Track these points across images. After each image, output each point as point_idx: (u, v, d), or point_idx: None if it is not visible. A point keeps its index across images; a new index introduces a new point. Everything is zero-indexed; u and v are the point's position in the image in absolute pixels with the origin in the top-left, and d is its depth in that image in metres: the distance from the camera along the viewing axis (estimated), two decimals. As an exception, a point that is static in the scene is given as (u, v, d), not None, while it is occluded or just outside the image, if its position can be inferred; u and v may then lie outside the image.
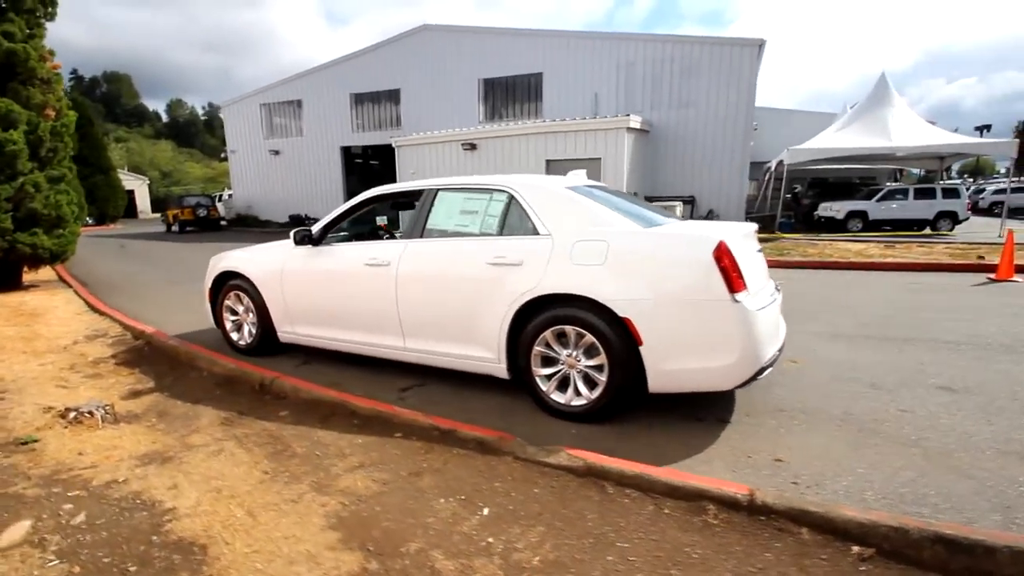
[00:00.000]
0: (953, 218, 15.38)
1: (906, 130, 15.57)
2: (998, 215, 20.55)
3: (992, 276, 7.12)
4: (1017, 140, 14.12)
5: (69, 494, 2.22)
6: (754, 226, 3.33)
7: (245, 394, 3.49)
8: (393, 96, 21.38)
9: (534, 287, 2.97)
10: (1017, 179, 27.82)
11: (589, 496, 2.18)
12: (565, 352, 3.00)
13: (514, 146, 15.54)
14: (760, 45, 15.88)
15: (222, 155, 27.18)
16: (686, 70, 16.53)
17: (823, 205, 17.20)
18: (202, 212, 21.17)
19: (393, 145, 17.57)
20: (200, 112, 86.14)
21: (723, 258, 2.65)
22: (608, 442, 2.74)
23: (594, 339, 2.86)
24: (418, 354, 3.53)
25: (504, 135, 15.67)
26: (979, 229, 15.71)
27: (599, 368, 2.90)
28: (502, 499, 2.16)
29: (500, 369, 3.22)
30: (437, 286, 3.35)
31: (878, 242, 12.08)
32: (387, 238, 4.46)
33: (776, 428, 2.90)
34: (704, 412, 3.11)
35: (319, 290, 3.89)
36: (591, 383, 2.97)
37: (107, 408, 3.12)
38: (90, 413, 3.00)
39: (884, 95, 16.88)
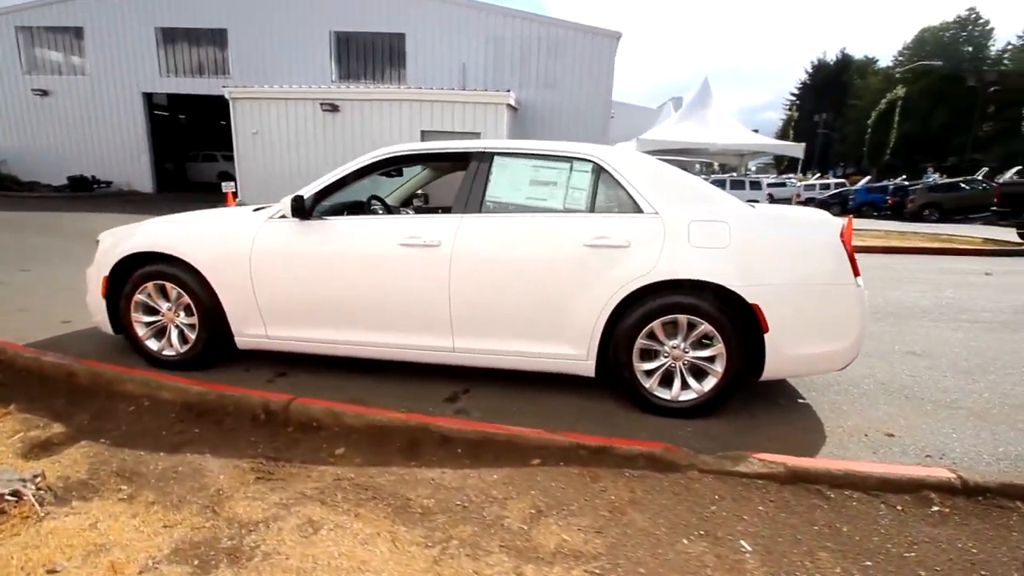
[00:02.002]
0: (756, 205, 18.60)
1: (723, 128, 18.31)
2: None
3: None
4: (804, 144, 17.70)
5: (127, 659, 1.24)
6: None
7: (244, 428, 2.46)
8: (217, 37, 17.82)
9: (647, 272, 2.61)
10: (780, 176, 34.96)
11: (818, 505, 1.97)
12: (671, 343, 2.72)
13: (383, 111, 14.21)
14: (618, 37, 16.98)
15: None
16: (552, 51, 16.90)
17: (662, 191, 19.34)
18: (-77, 167, 15.07)
19: (227, 97, 14.65)
20: None
21: (848, 242, 2.64)
22: (732, 436, 2.58)
23: (711, 328, 2.63)
24: (472, 355, 2.90)
25: (372, 98, 14.20)
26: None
27: (711, 359, 2.70)
28: (742, 526, 1.84)
29: (587, 367, 2.81)
30: (512, 272, 2.75)
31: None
32: (383, 212, 3.59)
33: (851, 403, 3.04)
34: (773, 394, 3.12)
35: (319, 279, 2.93)
36: (698, 375, 2.76)
37: (37, 481, 1.89)
38: (15, 495, 1.78)
39: (706, 97, 19.56)
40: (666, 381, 2.78)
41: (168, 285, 3.11)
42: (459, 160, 3.05)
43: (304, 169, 14.86)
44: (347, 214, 3.28)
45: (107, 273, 3.16)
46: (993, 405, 3.07)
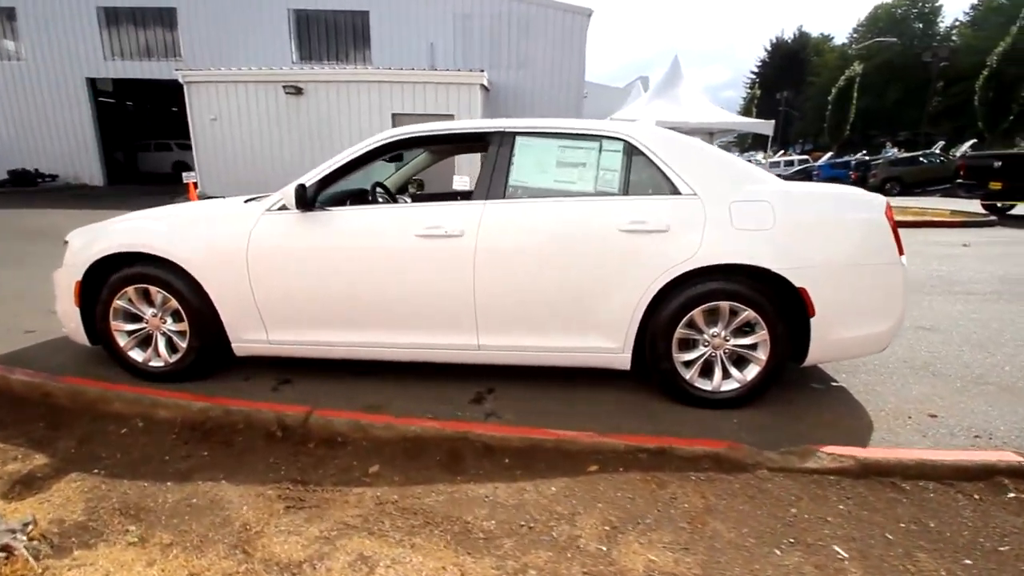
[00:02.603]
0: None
1: (694, 107, 18.33)
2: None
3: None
4: (773, 121, 17.90)
5: None
6: None
7: (260, 448, 2.20)
8: (165, 17, 16.67)
9: (689, 257, 2.45)
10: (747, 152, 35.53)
11: (897, 499, 1.87)
12: (711, 331, 2.59)
13: (351, 93, 13.61)
14: (588, 15, 16.67)
15: None
16: (523, 30, 16.49)
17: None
18: None
19: (181, 80, 13.76)
20: None
21: (892, 219, 2.54)
22: (781, 427, 2.48)
23: (755, 314, 2.51)
24: (498, 352, 2.70)
25: (339, 79, 13.57)
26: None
27: (753, 346, 2.58)
28: (829, 529, 1.71)
29: (622, 360, 2.65)
30: (542, 262, 2.55)
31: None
32: (383, 201, 3.32)
33: (883, 384, 2.98)
34: (806, 379, 3.04)
35: (328, 276, 2.66)
36: (739, 363, 2.64)
37: (29, 530, 1.61)
38: (5, 550, 1.50)
39: (676, 76, 19.52)
40: (705, 371, 2.65)
41: (152, 289, 2.78)
42: (476, 141, 2.81)
43: (268, 156, 14.20)
44: (350, 203, 3.01)
45: (80, 277, 2.80)
46: (1018, 379, 3.07)
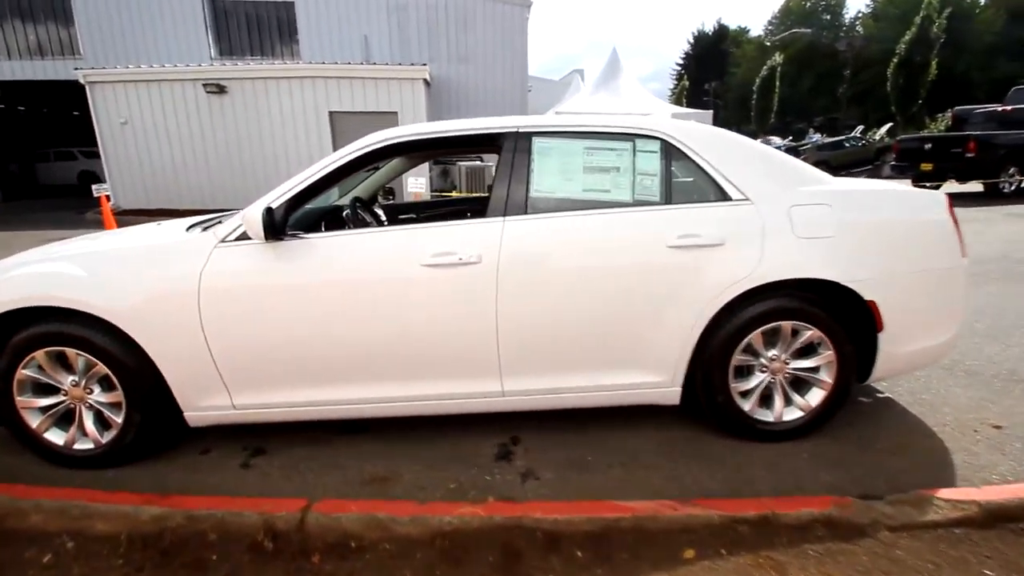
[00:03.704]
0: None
1: (635, 98, 18.53)
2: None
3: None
4: (711, 111, 18.34)
5: None
6: None
7: (244, 571, 1.64)
8: (58, 9, 14.76)
9: (748, 274, 2.11)
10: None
11: (1040, 553, 1.61)
12: (770, 354, 2.27)
13: (282, 91, 12.52)
14: (528, 6, 16.29)
15: None
16: (462, 22, 15.87)
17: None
18: None
19: (82, 81, 12.18)
20: None
21: (955, 217, 2.30)
22: (856, 458, 2.24)
23: (820, 333, 2.21)
24: (526, 398, 2.26)
25: (267, 75, 12.44)
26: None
27: (815, 369, 2.28)
28: (996, 611, 1.41)
29: (672, 394, 2.28)
30: (578, 288, 2.13)
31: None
32: (371, 221, 2.78)
33: (926, 390, 2.81)
34: (852, 392, 2.80)
35: (310, 320, 2.10)
36: (799, 388, 2.34)
37: None
38: None
39: (615, 68, 19.71)
40: (762, 401, 2.33)
41: (70, 351, 2.12)
42: (482, 144, 2.35)
43: (191, 162, 12.89)
44: (326, 227, 2.46)
45: (-37, 342, 2.10)
46: (1049, 374, 2.98)
